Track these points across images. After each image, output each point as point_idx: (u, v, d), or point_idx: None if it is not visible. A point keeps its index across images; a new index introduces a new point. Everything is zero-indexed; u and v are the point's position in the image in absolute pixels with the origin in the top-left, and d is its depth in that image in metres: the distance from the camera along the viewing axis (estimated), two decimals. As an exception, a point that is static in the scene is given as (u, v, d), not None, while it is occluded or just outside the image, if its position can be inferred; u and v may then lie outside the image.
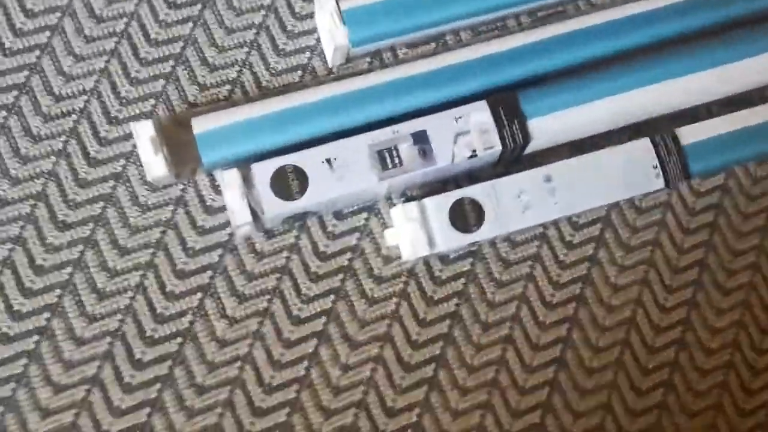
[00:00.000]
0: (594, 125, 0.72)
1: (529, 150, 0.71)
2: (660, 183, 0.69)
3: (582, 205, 0.70)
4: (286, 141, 0.67)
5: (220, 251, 0.68)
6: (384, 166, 0.66)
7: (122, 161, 0.68)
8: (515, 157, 0.72)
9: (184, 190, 0.69)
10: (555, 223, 0.74)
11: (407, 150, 0.66)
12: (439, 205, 0.67)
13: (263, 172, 0.64)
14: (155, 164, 0.63)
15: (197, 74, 0.71)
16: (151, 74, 0.70)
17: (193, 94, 0.70)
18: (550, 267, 0.73)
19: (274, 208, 0.64)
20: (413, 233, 0.66)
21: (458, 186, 0.70)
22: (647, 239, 0.74)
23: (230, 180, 0.64)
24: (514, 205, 0.68)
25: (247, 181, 0.64)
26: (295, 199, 0.64)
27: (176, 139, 0.67)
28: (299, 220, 0.69)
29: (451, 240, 0.66)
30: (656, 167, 0.69)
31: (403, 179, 0.67)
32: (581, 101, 0.70)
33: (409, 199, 0.70)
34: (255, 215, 0.64)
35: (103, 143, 0.67)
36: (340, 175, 0.65)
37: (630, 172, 0.69)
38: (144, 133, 0.63)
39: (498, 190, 0.68)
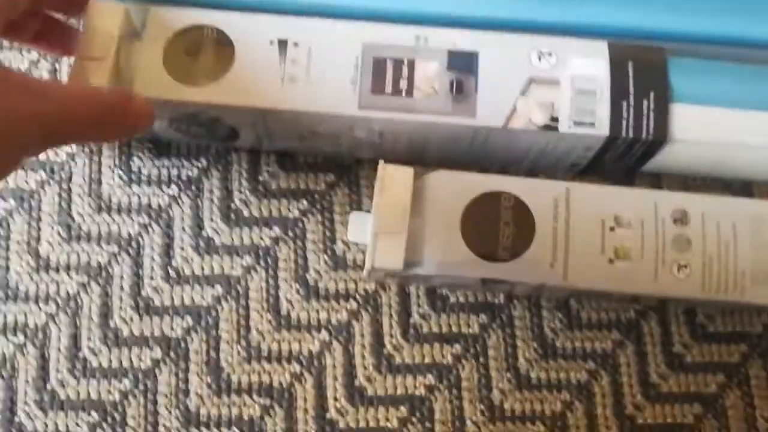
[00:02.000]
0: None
1: (650, 166, 0.37)
2: None
3: (739, 292, 0.33)
4: None
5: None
6: (377, 87, 0.35)
7: None
8: (626, 167, 0.38)
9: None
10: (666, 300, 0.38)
11: (431, 75, 0.34)
12: (453, 192, 0.34)
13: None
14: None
15: None
16: None
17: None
18: (631, 385, 0.37)
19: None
20: (393, 230, 0.33)
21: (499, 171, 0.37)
22: None
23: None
24: (597, 240, 0.33)
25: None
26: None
27: None
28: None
29: (456, 263, 0.33)
30: None
31: (407, 125, 0.35)
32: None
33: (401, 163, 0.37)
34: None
35: None
36: (301, 71, 0.35)
37: None
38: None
39: (574, 203, 0.34)
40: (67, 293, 0.39)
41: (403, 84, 0.34)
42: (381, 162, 0.33)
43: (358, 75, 0.34)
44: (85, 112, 0.28)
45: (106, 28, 0.34)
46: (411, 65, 0.35)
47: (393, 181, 0.33)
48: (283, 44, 0.35)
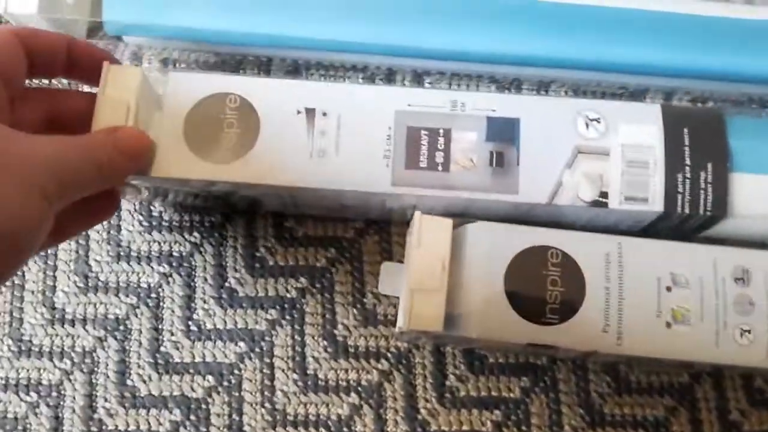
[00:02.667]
0: None
1: (708, 233, 0.34)
2: None
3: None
4: (250, 30, 0.37)
5: None
6: (411, 162, 0.32)
7: None
8: (683, 233, 0.35)
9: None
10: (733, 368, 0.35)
11: (469, 146, 0.32)
12: (495, 246, 0.31)
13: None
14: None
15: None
16: None
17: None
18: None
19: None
20: (430, 287, 0.30)
21: (544, 224, 0.33)
22: None
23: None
24: (652, 301, 0.30)
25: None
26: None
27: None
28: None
29: (500, 326, 0.30)
30: None
31: (444, 200, 0.32)
32: None
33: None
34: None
35: None
36: (330, 144, 0.32)
37: None
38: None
39: (627, 259, 0.31)
40: (83, 348, 0.37)
41: (439, 157, 0.32)
42: (417, 213, 0.31)
43: (392, 148, 0.32)
44: (81, 155, 0.27)
45: (122, 96, 0.31)
46: (447, 135, 0.32)
47: (430, 233, 0.30)
48: (311, 114, 0.32)
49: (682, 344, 0.30)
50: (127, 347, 0.37)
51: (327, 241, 0.38)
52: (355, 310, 0.37)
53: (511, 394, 0.36)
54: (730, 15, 0.38)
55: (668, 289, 0.31)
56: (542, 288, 0.30)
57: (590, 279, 0.30)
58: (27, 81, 0.30)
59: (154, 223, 0.39)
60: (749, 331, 0.30)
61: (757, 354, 0.30)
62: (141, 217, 0.39)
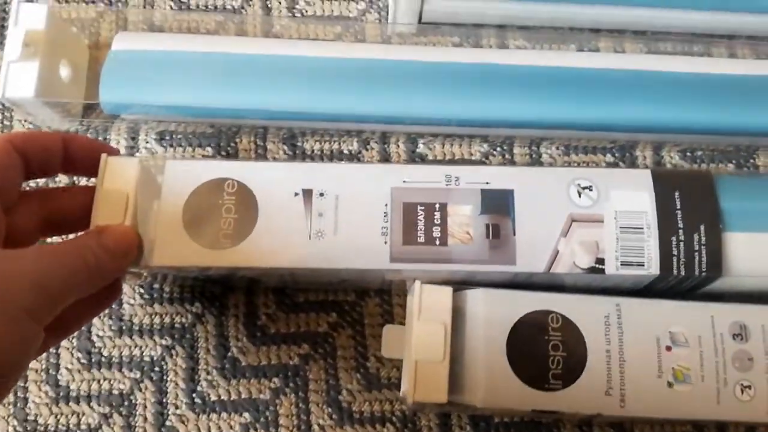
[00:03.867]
0: None
1: (705, 290, 0.34)
2: None
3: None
4: (244, 105, 0.38)
5: None
6: (409, 238, 0.32)
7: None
8: (681, 291, 0.35)
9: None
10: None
11: (465, 220, 0.32)
12: (496, 312, 0.31)
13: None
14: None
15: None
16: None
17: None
18: None
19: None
20: (433, 358, 0.30)
21: (544, 288, 0.34)
22: None
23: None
24: (653, 361, 0.30)
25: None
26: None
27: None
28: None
29: (504, 393, 0.30)
30: None
31: (443, 272, 0.32)
32: None
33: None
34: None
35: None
36: (329, 224, 0.32)
37: None
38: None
39: (627, 320, 0.31)
40: (89, 426, 0.36)
41: (436, 231, 0.32)
42: (417, 282, 0.31)
43: (389, 224, 0.32)
44: (69, 263, 0.27)
45: (120, 188, 0.31)
46: (443, 210, 0.32)
47: (430, 302, 0.31)
48: (308, 195, 0.32)
49: (684, 403, 0.30)
50: (133, 423, 0.37)
51: (328, 305, 0.38)
52: (358, 375, 0.37)
53: (518, 455, 0.36)
54: (714, 71, 0.39)
55: (668, 348, 0.31)
56: (544, 353, 0.30)
57: (591, 342, 0.30)
58: (24, 183, 0.30)
59: (155, 296, 0.38)
60: (750, 387, 0.30)
61: (758, 409, 0.30)
62: (142, 290, 0.39)
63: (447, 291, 0.31)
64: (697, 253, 0.31)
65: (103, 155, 0.31)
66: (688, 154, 0.41)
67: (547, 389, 0.30)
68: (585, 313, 0.31)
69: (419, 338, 0.30)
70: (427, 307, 0.30)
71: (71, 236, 0.30)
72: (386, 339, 0.33)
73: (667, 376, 0.30)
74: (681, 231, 0.32)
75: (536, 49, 0.43)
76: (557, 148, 0.41)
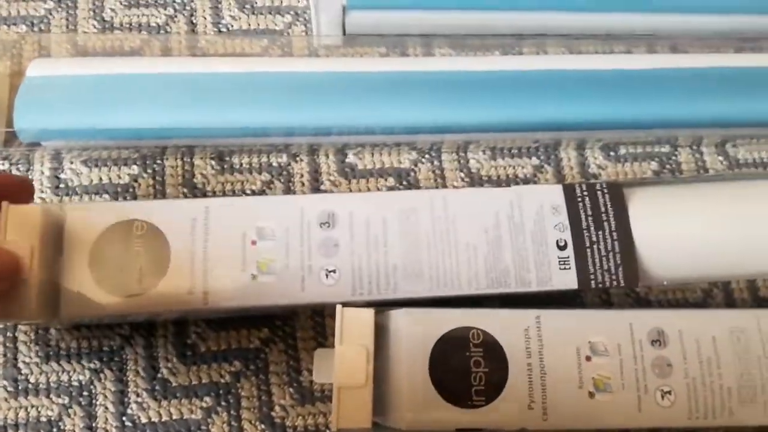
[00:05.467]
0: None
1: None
2: None
3: (727, 415, 0.30)
4: (169, 124, 0.36)
5: None
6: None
7: None
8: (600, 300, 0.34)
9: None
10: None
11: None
12: (418, 332, 0.30)
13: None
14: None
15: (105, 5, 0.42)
16: None
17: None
18: None
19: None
20: (356, 384, 0.29)
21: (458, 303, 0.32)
22: None
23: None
24: (574, 372, 0.30)
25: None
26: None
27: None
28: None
29: (429, 414, 0.29)
30: None
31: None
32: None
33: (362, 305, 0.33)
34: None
35: None
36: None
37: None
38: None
39: (546, 332, 0.30)
40: (15, 457, 0.35)
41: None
42: (338, 306, 0.30)
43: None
44: None
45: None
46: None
47: (352, 326, 0.29)
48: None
49: (607, 413, 0.30)
50: (61, 451, 0.35)
51: (258, 321, 0.37)
52: (291, 389, 0.36)
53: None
54: (633, 67, 0.39)
55: (587, 358, 0.30)
56: (466, 370, 0.29)
57: (512, 356, 0.30)
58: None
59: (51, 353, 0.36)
60: (670, 392, 0.30)
61: (679, 414, 0.30)
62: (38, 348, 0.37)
63: (368, 314, 0.30)
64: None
65: (4, 204, 0.29)
66: (611, 153, 0.41)
67: (470, 406, 0.29)
68: (505, 327, 0.30)
69: (341, 363, 0.29)
70: (349, 331, 0.29)
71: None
72: (317, 364, 0.32)
73: (588, 386, 0.30)
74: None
75: (461, 55, 0.42)
76: (483, 153, 0.40)
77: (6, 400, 0.35)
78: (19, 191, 0.30)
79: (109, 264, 0.29)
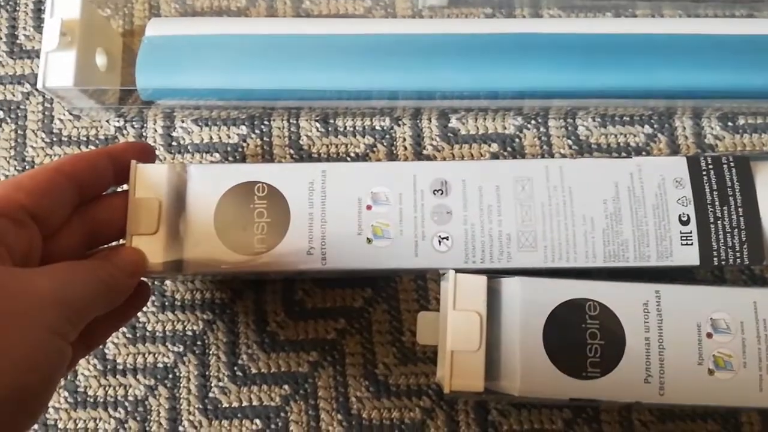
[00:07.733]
0: None
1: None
2: None
3: None
4: (277, 86, 0.35)
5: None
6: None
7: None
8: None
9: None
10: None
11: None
12: (532, 301, 0.29)
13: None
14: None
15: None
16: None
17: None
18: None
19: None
20: (469, 348, 0.28)
21: (579, 275, 0.31)
22: None
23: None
24: (693, 349, 0.28)
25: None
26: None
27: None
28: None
29: (542, 382, 0.28)
30: None
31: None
32: None
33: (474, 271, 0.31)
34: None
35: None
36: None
37: None
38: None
39: (666, 307, 0.28)
40: (135, 397, 0.36)
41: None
42: (451, 271, 0.29)
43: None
44: (87, 277, 0.25)
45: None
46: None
47: (465, 292, 0.28)
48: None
49: (726, 390, 0.28)
50: (177, 394, 0.35)
51: (363, 281, 0.36)
52: (394, 349, 0.36)
53: (554, 426, 0.34)
54: (753, 32, 0.36)
55: (709, 335, 0.28)
56: (582, 342, 0.28)
57: (629, 330, 0.28)
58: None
59: (166, 303, 0.37)
60: (795, 374, 0.28)
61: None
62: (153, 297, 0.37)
63: (482, 280, 0.28)
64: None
65: (133, 163, 0.29)
66: (729, 124, 0.38)
67: (584, 377, 0.28)
68: (623, 300, 0.28)
69: (454, 328, 0.28)
70: (462, 296, 0.28)
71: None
72: (421, 326, 0.31)
73: (708, 363, 0.28)
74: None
75: (571, 17, 0.39)
76: (593, 119, 0.38)
77: (125, 345, 0.36)
78: (143, 156, 0.30)
79: (232, 223, 0.29)
